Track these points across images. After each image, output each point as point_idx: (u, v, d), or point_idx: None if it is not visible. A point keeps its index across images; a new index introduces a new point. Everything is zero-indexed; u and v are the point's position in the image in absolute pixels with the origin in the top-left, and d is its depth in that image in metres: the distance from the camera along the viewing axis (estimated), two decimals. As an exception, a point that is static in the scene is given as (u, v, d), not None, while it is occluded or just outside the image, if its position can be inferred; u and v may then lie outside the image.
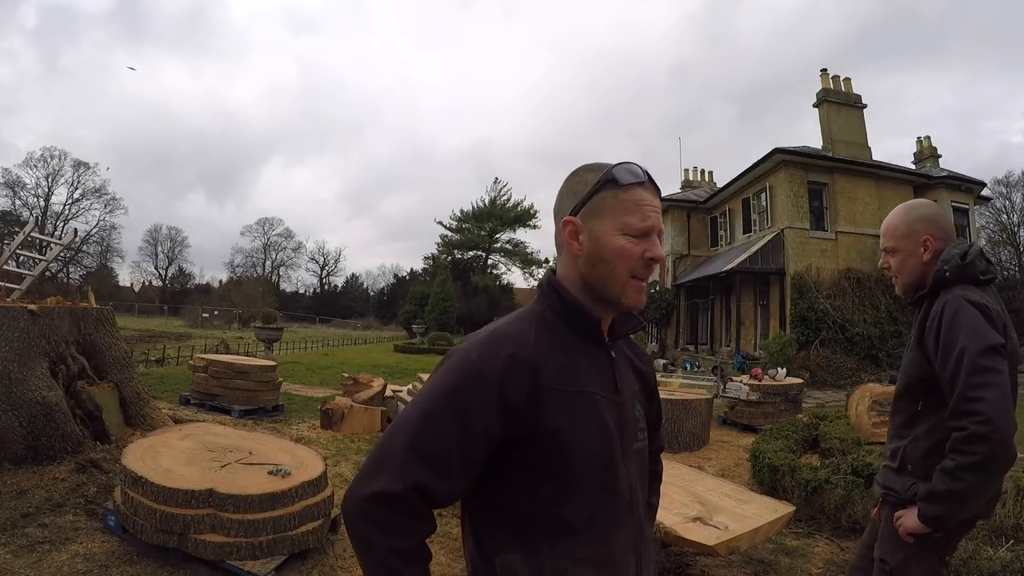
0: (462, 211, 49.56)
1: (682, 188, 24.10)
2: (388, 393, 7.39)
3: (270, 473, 3.05)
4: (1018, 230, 33.29)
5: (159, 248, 56.24)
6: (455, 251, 50.33)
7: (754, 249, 15.84)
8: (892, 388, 1.71)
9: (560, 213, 0.99)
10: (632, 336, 1.17)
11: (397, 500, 0.83)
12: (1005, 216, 33.68)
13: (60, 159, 44.72)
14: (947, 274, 1.53)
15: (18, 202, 43.04)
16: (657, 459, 1.28)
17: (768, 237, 15.92)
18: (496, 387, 0.86)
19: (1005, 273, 30.85)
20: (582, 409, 0.92)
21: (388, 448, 0.87)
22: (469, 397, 0.86)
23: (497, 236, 49.85)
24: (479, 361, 0.88)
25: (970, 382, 1.36)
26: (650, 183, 0.97)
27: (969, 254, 1.55)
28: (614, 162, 0.96)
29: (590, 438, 0.92)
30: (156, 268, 56.80)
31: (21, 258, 10.08)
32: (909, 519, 1.51)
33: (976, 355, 1.37)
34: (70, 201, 45.49)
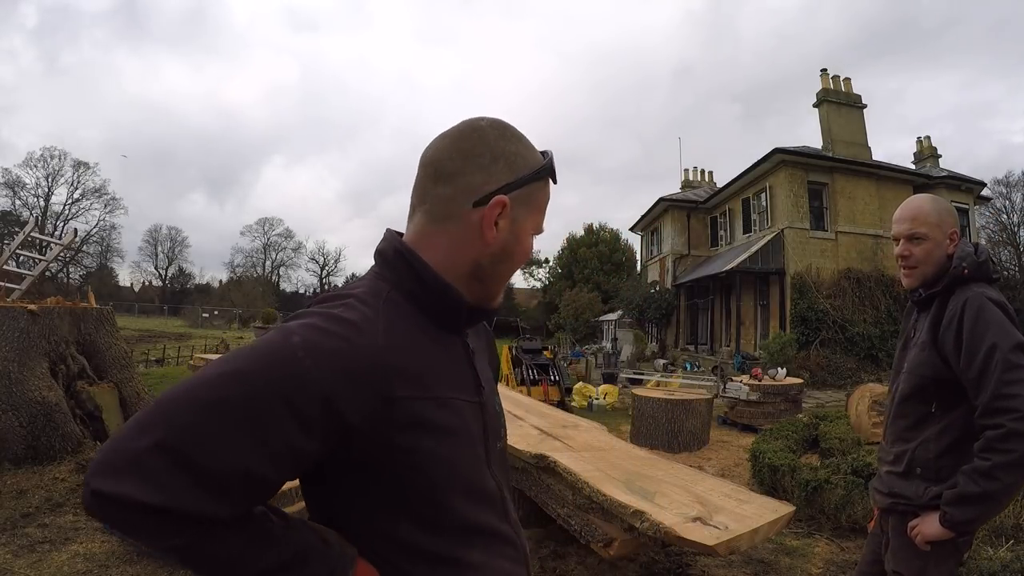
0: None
1: (682, 188, 24.09)
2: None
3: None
4: (1018, 230, 33.28)
5: (159, 248, 56.23)
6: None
7: (754, 249, 15.84)
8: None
9: (464, 175, 0.76)
10: None
11: (143, 510, 0.59)
12: (1005, 216, 33.68)
13: (60, 159, 44.74)
14: (965, 271, 1.48)
15: (18, 202, 43.06)
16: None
17: (768, 237, 15.92)
18: (319, 395, 0.63)
19: (1005, 273, 30.81)
20: (445, 420, 0.74)
21: (154, 434, 0.60)
22: (272, 397, 0.62)
23: (497, 236, 49.82)
24: (303, 352, 0.64)
25: (1004, 379, 1.32)
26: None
27: (981, 252, 1.52)
28: (535, 142, 0.83)
29: (456, 453, 0.75)
30: (156, 268, 56.80)
31: (21, 258, 10.07)
32: (928, 526, 1.44)
33: (1008, 352, 1.34)
34: (70, 201, 45.51)
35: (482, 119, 0.80)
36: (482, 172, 0.76)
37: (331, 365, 0.65)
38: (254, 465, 0.62)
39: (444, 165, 0.77)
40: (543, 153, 0.82)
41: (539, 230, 0.83)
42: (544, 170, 0.81)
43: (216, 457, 0.60)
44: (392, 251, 0.79)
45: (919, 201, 1.61)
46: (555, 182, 0.83)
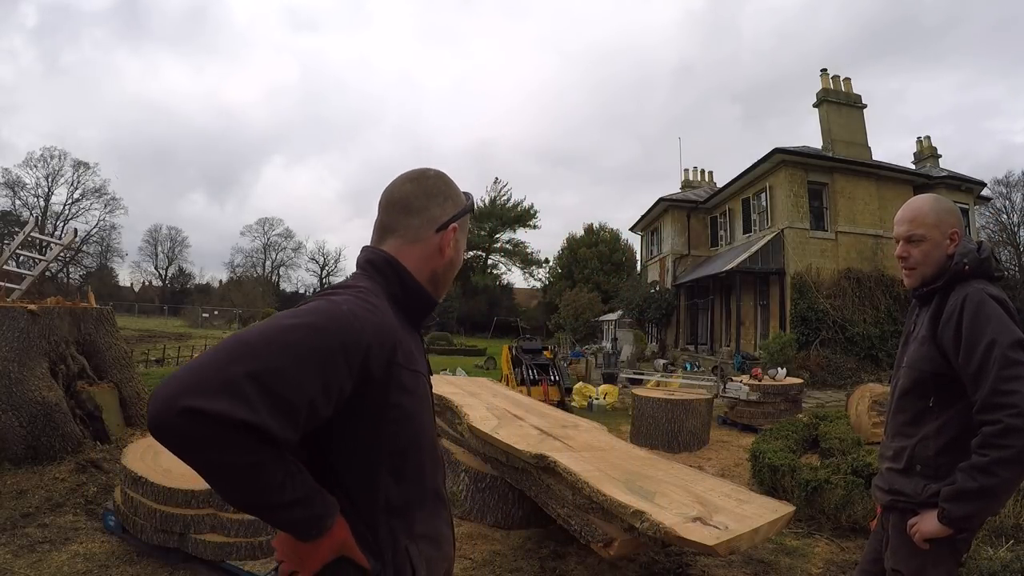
0: (462, 211, 49.40)
1: (682, 188, 24.10)
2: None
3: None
4: (1018, 230, 33.28)
5: (159, 248, 56.17)
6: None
7: (754, 249, 15.84)
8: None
9: (428, 210, 1.05)
10: None
11: (235, 426, 0.70)
12: (1005, 216, 33.68)
13: (60, 159, 44.69)
14: (966, 268, 1.49)
15: (18, 202, 43.00)
16: None
17: (768, 237, 15.92)
18: (364, 348, 0.83)
19: (1005, 273, 30.83)
20: (419, 389, 0.98)
21: (246, 365, 0.72)
22: (338, 347, 0.80)
23: (497, 236, 49.84)
24: (352, 316, 0.84)
25: (1002, 375, 1.32)
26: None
27: (984, 249, 1.52)
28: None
29: (425, 418, 0.99)
30: (156, 268, 56.75)
31: (21, 258, 10.08)
32: (927, 523, 1.44)
33: (1007, 348, 1.34)
34: (70, 201, 45.46)
35: (430, 170, 1.10)
36: (439, 208, 1.06)
37: (372, 329, 0.86)
38: (317, 398, 0.78)
39: (412, 203, 1.05)
40: (465, 194, 1.12)
41: (465, 248, 1.14)
42: (470, 207, 1.12)
43: (294, 388, 0.75)
44: (382, 261, 1.02)
45: (919, 202, 1.62)
46: (475, 216, 1.05)
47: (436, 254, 1.05)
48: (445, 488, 1.08)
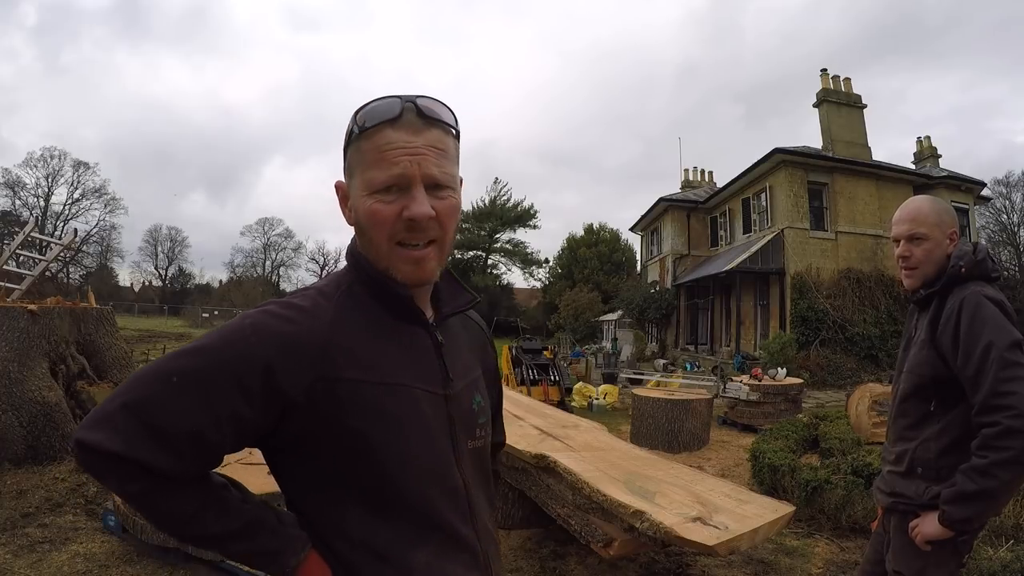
0: (462, 211, 49.46)
1: (682, 188, 24.09)
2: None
3: (270, 473, 3.05)
4: (1018, 230, 33.28)
5: (159, 248, 56.14)
6: (455, 251, 50.31)
7: (754, 249, 15.83)
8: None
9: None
10: (473, 312, 0.99)
11: (109, 457, 0.69)
12: (1005, 216, 33.68)
13: (60, 159, 44.67)
14: (962, 270, 1.49)
15: (18, 202, 42.98)
16: (497, 455, 1.08)
17: (768, 237, 15.91)
18: (261, 369, 0.70)
19: (1005, 273, 30.83)
20: (395, 406, 0.76)
21: (123, 396, 0.70)
22: (221, 369, 0.70)
23: (497, 236, 49.79)
24: (252, 333, 0.72)
25: (1000, 376, 1.32)
26: (415, 115, 0.75)
27: (980, 251, 1.52)
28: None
29: (407, 442, 0.76)
30: (156, 268, 56.71)
31: (21, 258, 10.06)
32: (928, 525, 1.44)
33: (1004, 350, 1.34)
34: (70, 201, 45.43)
35: None
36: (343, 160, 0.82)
37: (273, 342, 0.72)
38: (201, 427, 0.70)
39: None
40: (355, 116, 0.78)
41: (373, 185, 0.75)
42: (348, 134, 0.79)
43: (169, 417, 0.69)
44: (348, 250, 0.85)
45: (918, 202, 1.62)
46: (364, 130, 0.76)
47: (349, 218, 0.82)
48: (474, 525, 0.83)
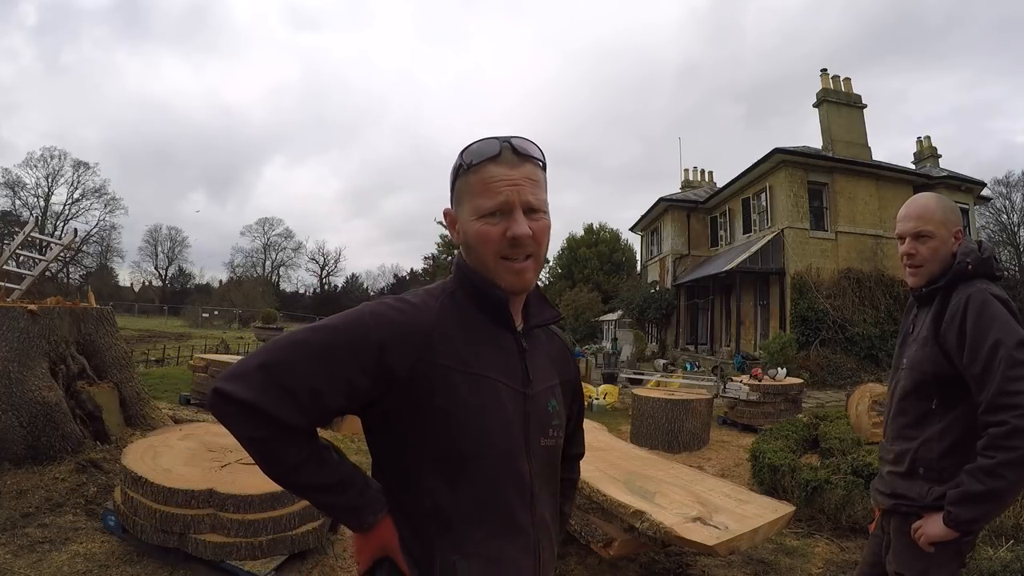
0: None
1: (682, 188, 24.09)
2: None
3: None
4: (1018, 230, 33.31)
5: (159, 248, 56.21)
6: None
7: (754, 249, 15.84)
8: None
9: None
10: (557, 330, 1.13)
11: (241, 404, 0.81)
12: (1005, 216, 33.71)
13: (60, 159, 44.72)
14: (969, 267, 1.47)
15: (18, 202, 43.04)
16: (574, 466, 1.25)
17: (768, 237, 15.92)
18: (375, 346, 0.85)
19: (1005, 273, 30.85)
20: (479, 395, 0.88)
21: (260, 358, 0.84)
22: (344, 343, 0.85)
23: (497, 236, 49.83)
24: (370, 318, 0.87)
25: (1009, 375, 1.30)
26: (512, 153, 0.91)
27: (985, 249, 1.51)
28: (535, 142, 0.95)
29: (484, 426, 0.88)
30: (156, 268, 56.78)
31: (21, 258, 10.06)
32: (932, 527, 1.42)
33: (1012, 348, 1.32)
34: (70, 201, 45.49)
35: None
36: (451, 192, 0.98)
37: (387, 326, 0.87)
38: (321, 388, 0.83)
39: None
40: (461, 154, 0.94)
41: (481, 211, 0.90)
42: (454, 170, 0.95)
43: (296, 378, 0.82)
44: (454, 263, 1.01)
45: (924, 199, 1.60)
46: (470, 166, 0.91)
47: (457, 238, 0.98)
48: (532, 513, 0.93)
